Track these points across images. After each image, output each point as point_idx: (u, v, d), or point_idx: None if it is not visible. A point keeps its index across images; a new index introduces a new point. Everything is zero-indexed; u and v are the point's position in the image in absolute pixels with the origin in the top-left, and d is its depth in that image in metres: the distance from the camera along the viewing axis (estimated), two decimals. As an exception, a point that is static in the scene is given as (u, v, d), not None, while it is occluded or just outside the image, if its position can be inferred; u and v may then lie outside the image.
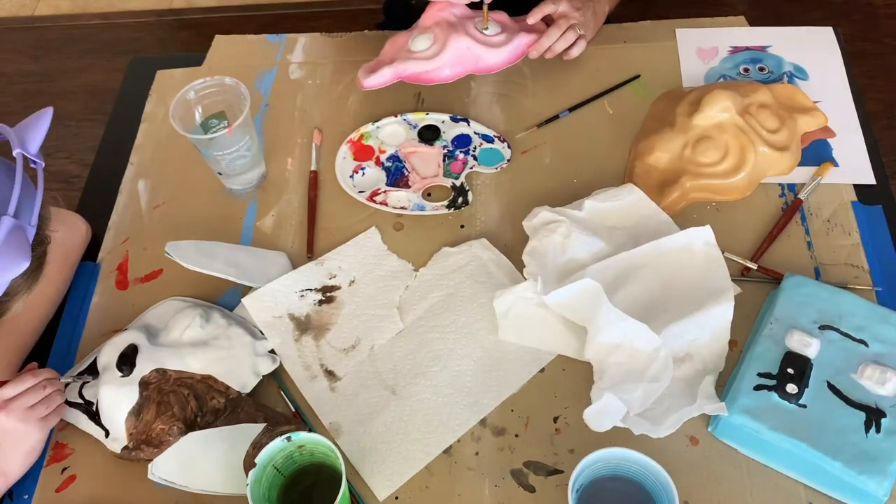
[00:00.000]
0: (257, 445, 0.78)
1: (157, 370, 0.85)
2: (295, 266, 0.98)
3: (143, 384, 0.84)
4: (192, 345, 0.87)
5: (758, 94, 1.01)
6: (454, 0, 1.05)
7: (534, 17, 1.09)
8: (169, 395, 0.83)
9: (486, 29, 1.08)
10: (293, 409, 0.87)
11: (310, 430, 0.84)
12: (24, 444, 0.81)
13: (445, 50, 1.05)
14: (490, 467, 0.82)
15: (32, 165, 0.76)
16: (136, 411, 0.83)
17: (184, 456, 0.82)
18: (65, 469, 0.85)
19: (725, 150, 0.98)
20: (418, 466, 0.82)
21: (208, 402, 0.85)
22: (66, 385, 0.86)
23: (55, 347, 0.94)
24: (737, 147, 0.98)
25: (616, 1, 1.19)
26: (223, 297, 0.96)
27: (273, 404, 0.87)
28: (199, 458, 0.82)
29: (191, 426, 0.83)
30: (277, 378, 0.89)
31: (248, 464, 0.78)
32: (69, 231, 0.99)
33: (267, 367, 0.88)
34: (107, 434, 0.84)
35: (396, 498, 0.81)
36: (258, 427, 0.81)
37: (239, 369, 0.87)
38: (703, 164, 0.98)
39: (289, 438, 0.75)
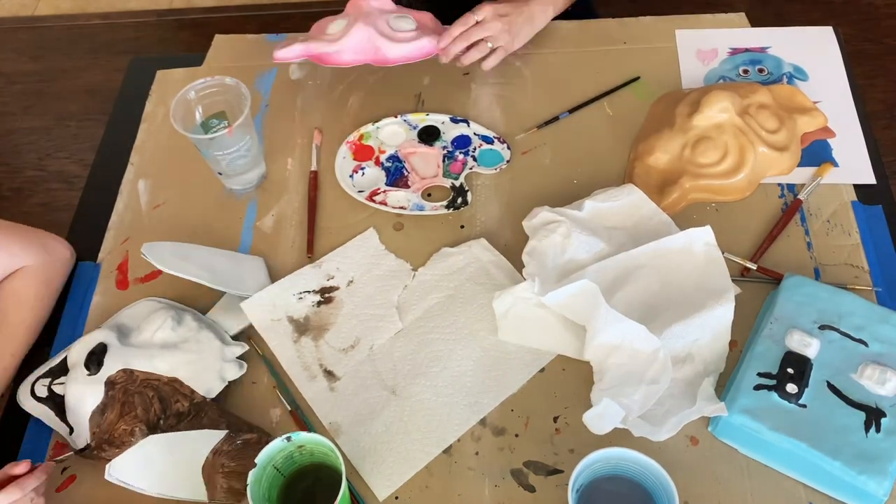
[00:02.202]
0: (218, 452, 0.78)
1: (124, 370, 0.84)
2: (274, 271, 0.98)
3: (109, 383, 0.84)
4: (161, 346, 0.87)
5: (757, 94, 1.01)
6: None
7: (449, 34, 1.06)
8: (134, 396, 0.83)
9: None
10: (291, 409, 0.87)
11: (309, 431, 0.84)
12: None
13: (348, 36, 1.05)
14: (490, 467, 0.82)
15: None
16: (101, 410, 0.83)
17: (142, 458, 0.80)
18: (65, 469, 0.85)
19: (725, 150, 0.98)
20: (418, 466, 0.82)
21: (172, 405, 0.84)
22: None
23: (55, 347, 0.94)
24: (736, 147, 0.98)
25: (568, 3, 1.16)
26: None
27: (272, 404, 0.88)
28: (158, 461, 0.81)
29: (153, 429, 0.83)
30: (276, 378, 0.89)
31: (207, 470, 0.77)
32: (49, 255, 0.96)
33: (233, 374, 0.88)
34: (71, 431, 0.84)
35: (396, 498, 0.81)
36: (220, 433, 0.81)
37: (205, 373, 0.86)
38: (703, 164, 0.98)
39: (289, 438, 0.74)
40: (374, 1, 1.09)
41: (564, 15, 1.18)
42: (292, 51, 1.07)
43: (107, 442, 0.82)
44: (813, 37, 1.16)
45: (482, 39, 1.07)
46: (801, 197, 0.98)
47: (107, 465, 0.80)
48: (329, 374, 0.89)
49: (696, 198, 0.99)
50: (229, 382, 0.88)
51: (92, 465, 0.85)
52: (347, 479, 0.74)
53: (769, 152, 0.98)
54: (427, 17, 1.13)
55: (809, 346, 0.81)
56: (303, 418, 0.86)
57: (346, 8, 1.11)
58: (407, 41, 1.07)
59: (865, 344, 0.82)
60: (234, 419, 0.84)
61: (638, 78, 1.13)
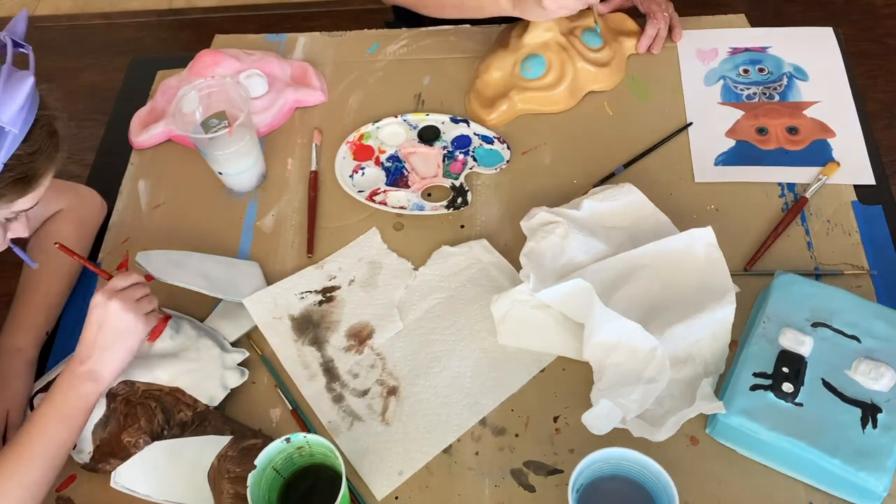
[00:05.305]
0: (223, 457, 0.78)
1: (124, 382, 0.84)
2: (274, 271, 0.98)
3: (111, 396, 0.84)
4: (160, 356, 0.86)
5: (586, 19, 1.11)
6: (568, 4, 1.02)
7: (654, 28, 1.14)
8: (136, 408, 0.83)
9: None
10: (291, 409, 0.87)
11: (308, 430, 0.84)
12: (126, 341, 0.80)
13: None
14: (490, 467, 0.82)
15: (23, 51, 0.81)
16: (103, 423, 0.83)
17: (148, 465, 0.81)
18: (65, 469, 0.85)
19: (548, 66, 1.08)
20: (418, 466, 0.83)
21: (175, 414, 0.84)
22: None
23: (55, 347, 0.94)
24: (558, 63, 1.08)
25: None
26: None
27: (272, 404, 0.88)
28: (163, 468, 0.81)
29: (157, 439, 0.82)
30: (276, 377, 0.89)
31: (213, 476, 0.77)
32: (82, 202, 1.01)
33: (235, 381, 0.87)
34: (73, 445, 0.83)
35: (396, 498, 0.81)
36: (225, 439, 0.81)
37: (207, 382, 0.86)
38: (529, 79, 1.08)
39: (288, 440, 0.74)
40: (219, 68, 1.09)
41: None
42: (153, 136, 1.11)
43: (111, 455, 0.82)
44: (813, 37, 1.16)
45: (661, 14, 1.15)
46: (806, 195, 0.98)
47: (112, 473, 0.80)
48: (329, 374, 0.89)
49: (524, 109, 1.09)
50: (230, 388, 0.88)
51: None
52: (347, 479, 0.74)
53: (589, 67, 1.08)
54: (272, 64, 1.12)
55: (803, 344, 0.81)
56: (303, 418, 0.86)
57: (190, 68, 1.11)
58: (264, 109, 1.10)
59: (858, 340, 0.82)
60: (238, 426, 0.84)
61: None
